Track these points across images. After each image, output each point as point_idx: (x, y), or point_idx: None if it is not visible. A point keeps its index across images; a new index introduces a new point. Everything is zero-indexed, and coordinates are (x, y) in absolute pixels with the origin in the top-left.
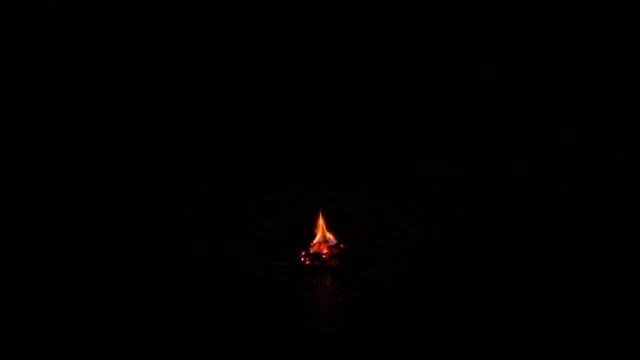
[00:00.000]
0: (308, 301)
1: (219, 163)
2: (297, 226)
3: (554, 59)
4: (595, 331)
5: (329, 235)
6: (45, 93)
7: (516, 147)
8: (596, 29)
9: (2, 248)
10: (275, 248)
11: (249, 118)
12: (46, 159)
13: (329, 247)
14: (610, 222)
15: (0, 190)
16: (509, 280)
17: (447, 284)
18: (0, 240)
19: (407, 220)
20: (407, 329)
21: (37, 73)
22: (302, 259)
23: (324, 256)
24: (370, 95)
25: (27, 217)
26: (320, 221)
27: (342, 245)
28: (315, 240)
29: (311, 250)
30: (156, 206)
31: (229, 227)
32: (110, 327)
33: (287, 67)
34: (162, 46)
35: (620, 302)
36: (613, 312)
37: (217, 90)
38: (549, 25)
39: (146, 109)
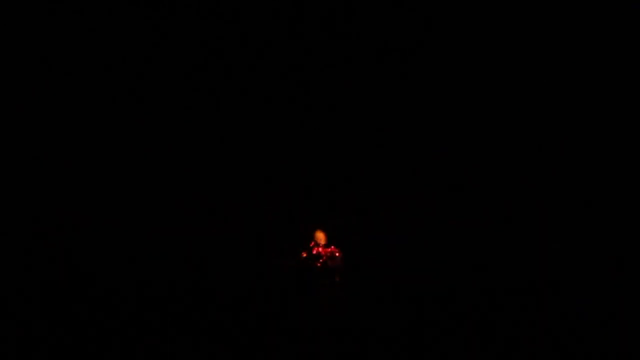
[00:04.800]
0: (307, 299)
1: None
2: (298, 228)
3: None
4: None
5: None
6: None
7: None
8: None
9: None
10: (277, 248)
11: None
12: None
13: (327, 248)
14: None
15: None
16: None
17: (443, 284)
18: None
19: (406, 224)
20: (404, 325)
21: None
22: (303, 259)
23: (323, 258)
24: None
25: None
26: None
27: (336, 250)
28: (315, 242)
29: (313, 252)
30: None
31: (233, 229)
32: (111, 326)
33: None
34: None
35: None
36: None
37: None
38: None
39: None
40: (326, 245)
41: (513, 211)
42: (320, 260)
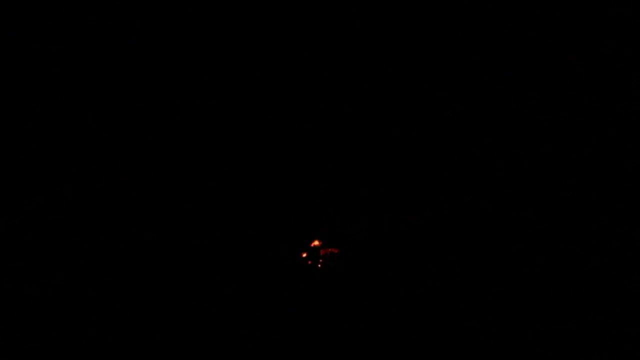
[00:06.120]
0: (306, 297)
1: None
2: (297, 226)
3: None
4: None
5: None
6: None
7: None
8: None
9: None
10: (276, 247)
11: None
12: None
13: (326, 247)
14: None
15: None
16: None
17: (440, 285)
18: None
19: (405, 223)
20: (402, 322)
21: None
22: (303, 258)
23: (321, 259)
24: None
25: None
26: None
27: (336, 250)
28: (314, 242)
29: (311, 249)
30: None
31: (231, 227)
32: (115, 322)
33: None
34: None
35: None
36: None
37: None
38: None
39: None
40: (325, 246)
41: (513, 212)
42: (320, 261)
